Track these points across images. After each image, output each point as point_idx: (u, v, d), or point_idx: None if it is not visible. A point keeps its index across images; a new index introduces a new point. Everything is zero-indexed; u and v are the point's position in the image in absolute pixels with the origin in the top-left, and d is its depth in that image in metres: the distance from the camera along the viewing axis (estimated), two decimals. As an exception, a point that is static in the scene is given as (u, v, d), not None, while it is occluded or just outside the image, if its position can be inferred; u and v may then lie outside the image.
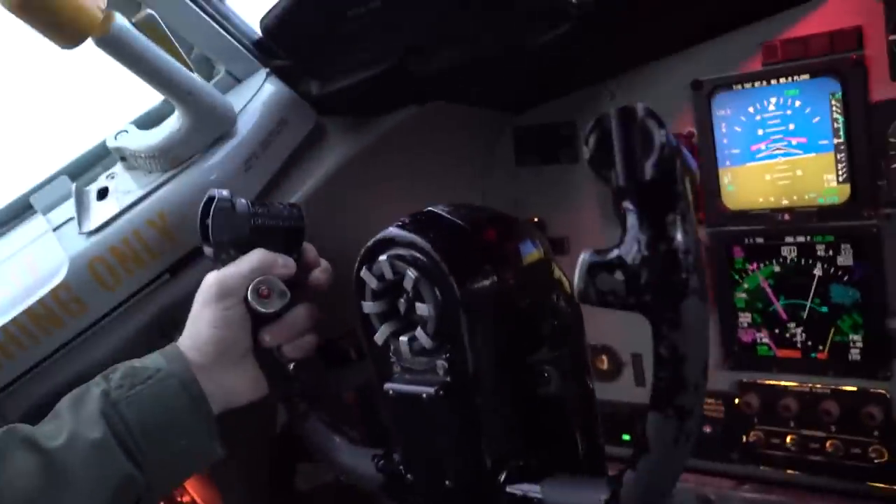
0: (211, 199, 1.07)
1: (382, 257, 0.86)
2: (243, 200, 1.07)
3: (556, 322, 0.90)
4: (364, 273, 0.88)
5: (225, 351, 1.02)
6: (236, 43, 1.28)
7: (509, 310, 0.87)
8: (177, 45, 1.15)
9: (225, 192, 1.06)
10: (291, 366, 1.09)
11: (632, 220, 0.68)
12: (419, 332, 0.84)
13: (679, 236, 0.66)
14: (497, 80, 1.47)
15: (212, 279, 1.04)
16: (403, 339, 0.86)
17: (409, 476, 0.96)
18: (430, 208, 0.92)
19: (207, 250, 1.09)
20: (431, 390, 0.86)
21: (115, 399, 0.94)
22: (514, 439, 0.90)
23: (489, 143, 1.70)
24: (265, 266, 1.04)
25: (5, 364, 1.13)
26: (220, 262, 1.07)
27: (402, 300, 0.88)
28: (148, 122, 1.31)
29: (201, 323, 1.02)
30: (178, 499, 1.47)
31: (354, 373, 1.21)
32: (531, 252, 0.90)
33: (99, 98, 1.57)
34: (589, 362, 0.95)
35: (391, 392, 0.91)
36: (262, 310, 1.03)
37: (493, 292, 0.85)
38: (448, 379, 0.86)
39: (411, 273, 0.83)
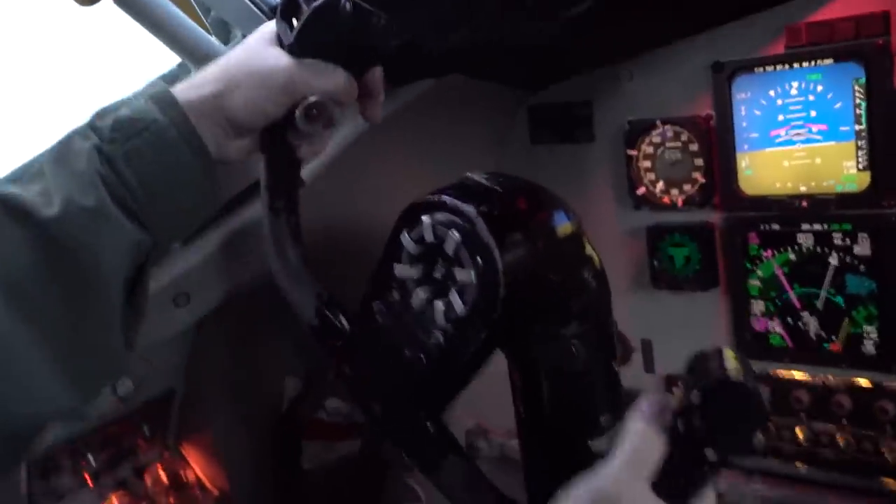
0: None
1: (426, 219, 0.83)
2: (349, 6, 0.90)
3: (587, 297, 0.89)
4: (404, 236, 0.85)
5: (238, 125, 0.91)
6: (255, 7, 1.27)
7: (543, 281, 0.85)
8: (196, 7, 1.14)
9: None
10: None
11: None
12: (454, 296, 0.82)
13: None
14: (515, 56, 1.45)
15: (285, 66, 0.90)
16: (440, 304, 0.84)
17: (345, 327, 0.94)
18: (469, 174, 0.90)
19: (284, 33, 0.92)
20: (420, 356, 0.84)
21: (110, 155, 0.82)
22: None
23: (504, 120, 1.68)
24: (340, 92, 0.93)
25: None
26: (291, 52, 0.91)
27: (437, 267, 0.86)
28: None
29: (237, 91, 0.89)
30: (183, 477, 1.47)
31: None
32: (565, 224, 0.88)
33: (115, 61, 1.56)
34: (615, 341, 0.94)
35: (379, 320, 0.88)
36: (303, 128, 0.91)
37: (530, 262, 0.83)
38: (437, 355, 0.84)
39: (454, 235, 0.81)
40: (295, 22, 0.91)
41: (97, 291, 0.81)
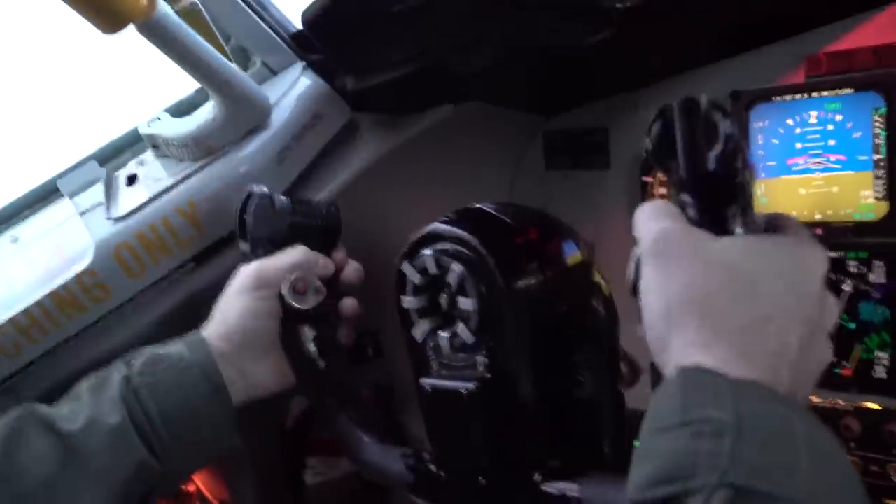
0: (250, 194, 1.07)
1: (427, 251, 0.85)
2: (283, 198, 1.08)
3: (594, 326, 0.89)
4: (406, 267, 0.86)
5: (252, 341, 1.01)
6: (274, 35, 1.28)
7: (551, 310, 0.85)
8: (217, 34, 1.15)
9: (264, 189, 1.07)
10: (322, 361, 1.08)
11: (691, 213, 0.66)
12: (461, 327, 0.83)
13: (739, 230, 0.64)
14: (532, 82, 1.46)
15: (251, 269, 1.03)
16: (444, 334, 0.84)
17: (441, 474, 0.94)
18: (476, 205, 0.91)
19: (243, 246, 1.09)
20: (471, 386, 0.84)
21: (136, 386, 0.93)
22: (548, 440, 0.88)
23: (520, 146, 1.69)
24: (305, 263, 1.04)
25: (25, 346, 1.12)
26: (255, 256, 1.07)
27: (443, 295, 0.86)
28: (181, 110, 1.30)
29: (231, 312, 1.02)
30: (185, 490, 1.46)
31: (371, 371, 1.21)
32: (574, 254, 0.88)
33: (131, 85, 1.57)
34: (620, 368, 0.94)
35: (428, 387, 0.89)
36: (297, 305, 1.03)
37: (537, 291, 0.83)
38: (488, 375, 0.85)
39: (457, 267, 0.81)
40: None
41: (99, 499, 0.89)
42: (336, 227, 1.15)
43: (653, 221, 0.65)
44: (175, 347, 0.98)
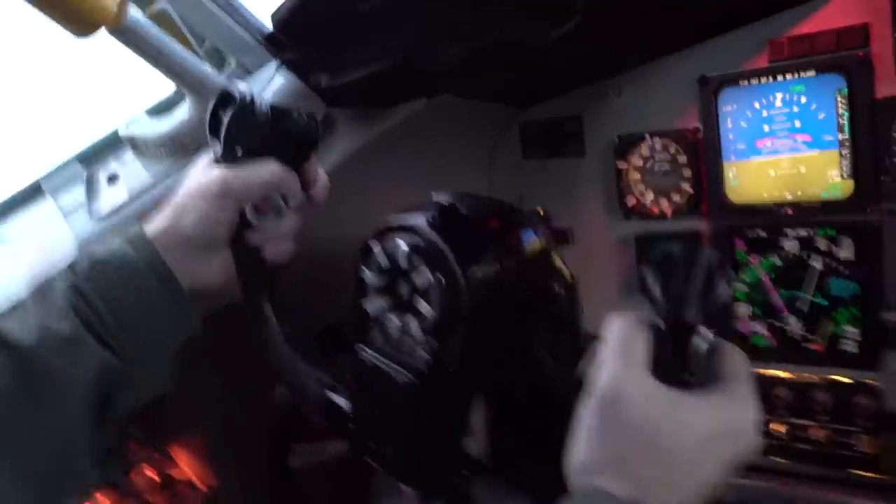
0: (229, 92, 1.00)
1: (403, 246, 0.86)
2: (264, 104, 1.00)
3: (556, 310, 0.91)
4: (377, 248, 0.88)
5: (203, 244, 0.97)
6: (247, 36, 1.29)
7: (510, 296, 0.88)
8: (189, 37, 1.17)
9: (246, 90, 1.00)
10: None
11: (654, 337, 0.71)
12: (413, 323, 0.85)
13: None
14: (504, 75, 1.48)
15: (217, 176, 0.97)
16: (395, 318, 0.86)
17: (350, 426, 0.96)
18: (432, 196, 0.93)
19: (215, 145, 1.02)
20: (409, 377, 0.86)
21: (84, 291, 0.91)
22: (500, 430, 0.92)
23: (496, 136, 1.71)
24: (276, 183, 1.00)
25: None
26: (225, 160, 1.00)
27: (404, 283, 0.88)
28: (159, 110, 1.32)
29: (187, 213, 0.97)
30: (174, 476, 1.49)
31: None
32: (533, 241, 0.91)
33: (112, 89, 1.59)
34: (584, 350, 0.96)
35: (366, 361, 0.90)
36: (256, 224, 1.00)
37: (495, 278, 0.86)
38: (424, 370, 0.86)
39: (426, 273, 0.83)
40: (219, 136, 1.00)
41: (66, 410, 0.87)
42: (313, 140, 1.07)
43: (616, 360, 0.69)
44: (117, 246, 0.95)
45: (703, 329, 0.69)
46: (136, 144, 1.25)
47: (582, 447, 0.69)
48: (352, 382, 0.96)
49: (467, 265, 0.83)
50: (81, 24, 0.99)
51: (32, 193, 1.31)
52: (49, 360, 0.86)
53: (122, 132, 1.26)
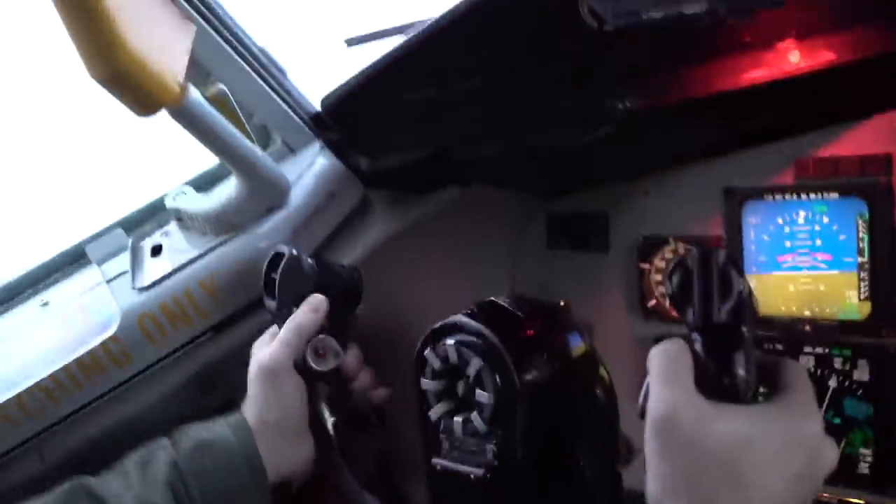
0: (279, 254, 1.13)
1: (450, 341, 0.91)
2: (309, 260, 1.13)
3: (598, 414, 0.96)
4: (428, 353, 0.93)
5: (285, 424, 1.06)
6: (295, 116, 1.35)
7: (558, 400, 0.92)
8: (243, 118, 1.22)
9: (293, 249, 1.12)
10: (331, 418, 1.16)
11: (699, 351, 0.75)
12: (475, 416, 0.89)
13: (741, 373, 0.72)
14: (536, 169, 1.53)
15: (255, 368, 1.08)
16: (458, 419, 0.91)
17: None
18: (492, 299, 0.98)
19: (270, 304, 1.14)
20: (480, 471, 0.91)
21: (183, 471, 0.97)
22: None
23: (522, 225, 1.76)
24: (299, 330, 1.09)
25: (49, 407, 1.17)
26: (279, 317, 1.12)
27: (460, 383, 0.93)
28: (204, 183, 1.37)
29: (260, 402, 1.06)
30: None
31: (375, 439, 1.25)
32: (579, 345, 0.95)
33: (154, 150, 1.64)
34: (621, 453, 1.00)
35: (439, 467, 0.95)
36: (318, 368, 1.09)
37: (547, 383, 0.90)
38: (495, 462, 0.91)
39: (477, 361, 0.88)
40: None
41: None
42: (357, 290, 1.21)
43: (663, 385, 0.72)
44: (220, 429, 1.03)
45: (742, 331, 0.72)
46: (182, 217, 1.30)
47: (651, 477, 0.71)
48: (429, 497, 1.00)
49: (523, 369, 0.88)
50: (146, 103, 1.04)
51: (76, 256, 1.35)
52: None
53: (169, 204, 1.30)
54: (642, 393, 0.76)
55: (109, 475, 0.99)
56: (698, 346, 0.75)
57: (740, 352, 0.72)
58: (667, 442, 0.69)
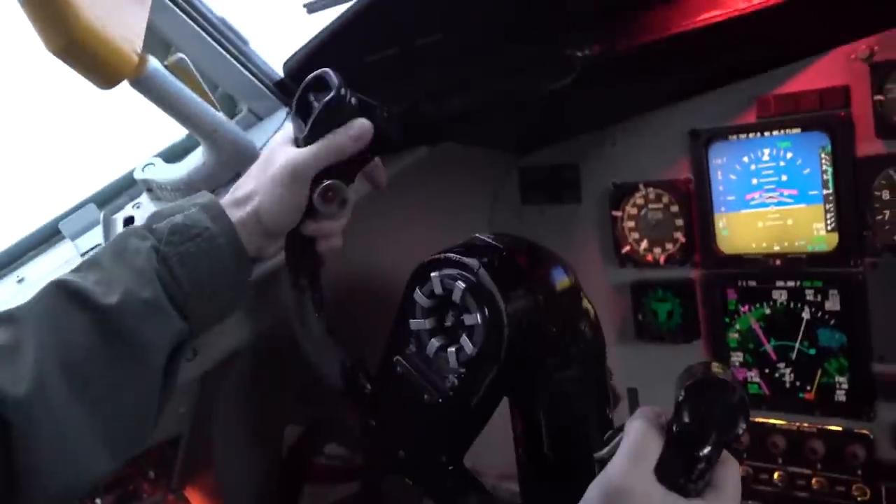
0: (322, 80, 1.03)
1: (434, 274, 0.93)
2: (353, 100, 1.03)
3: (583, 346, 0.98)
4: (416, 293, 0.94)
5: (273, 230, 1.03)
6: (259, 83, 1.35)
7: (542, 329, 0.94)
8: (204, 86, 1.22)
9: (342, 85, 1.02)
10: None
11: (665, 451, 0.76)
12: (464, 339, 0.90)
13: (695, 475, 0.75)
14: (504, 124, 1.54)
15: (295, 157, 1.01)
16: (451, 349, 0.92)
17: (371, 422, 1.04)
18: (476, 235, 1.01)
19: (298, 128, 1.04)
20: (435, 397, 0.94)
21: (166, 256, 0.94)
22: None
23: (495, 182, 1.77)
24: (336, 152, 1.02)
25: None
26: (305, 143, 1.03)
27: (450, 314, 0.94)
28: (173, 154, 1.37)
29: (265, 199, 1.01)
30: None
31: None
32: (563, 279, 0.97)
33: (124, 127, 1.64)
34: (609, 385, 1.02)
35: (400, 368, 0.98)
36: (321, 210, 1.04)
37: (531, 314, 0.92)
38: (451, 394, 0.93)
39: (461, 285, 0.90)
40: (308, 120, 1.03)
41: (143, 373, 0.92)
42: (395, 136, 1.11)
43: (629, 460, 0.75)
44: (195, 216, 0.98)
45: (712, 442, 0.74)
46: (152, 188, 1.31)
47: None
48: (378, 383, 1.03)
49: (507, 296, 0.89)
50: (105, 76, 1.04)
51: (51, 233, 1.35)
52: (131, 324, 0.90)
53: (138, 176, 1.31)
54: (613, 443, 0.79)
55: (83, 271, 0.94)
56: (675, 440, 0.76)
57: (704, 454, 0.75)
58: None
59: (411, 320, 0.96)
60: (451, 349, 0.92)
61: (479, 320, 0.89)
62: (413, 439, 1.00)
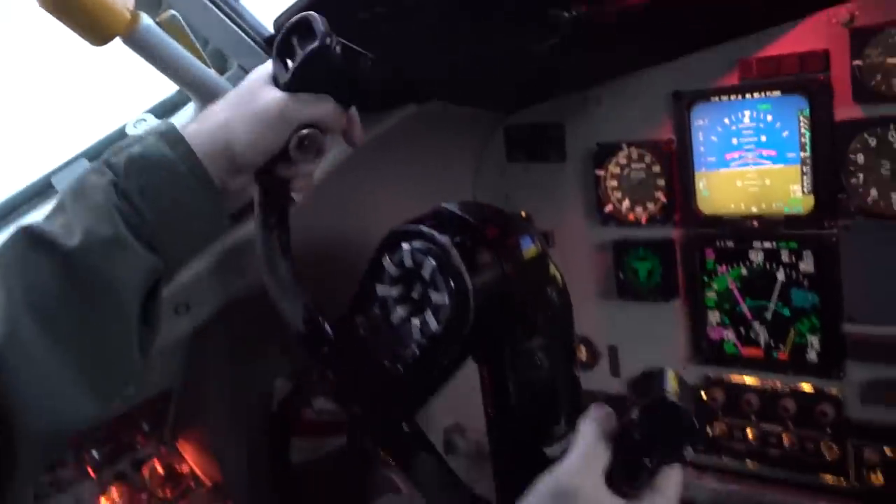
0: (308, 25, 0.99)
1: (405, 246, 0.93)
2: (338, 49, 0.99)
3: (550, 313, 0.99)
4: (385, 259, 0.95)
5: (242, 165, 0.99)
6: (250, 40, 1.36)
7: (509, 299, 0.95)
8: (196, 42, 1.24)
9: (328, 34, 0.97)
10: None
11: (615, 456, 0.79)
12: (429, 315, 0.92)
13: (638, 483, 0.79)
14: (491, 83, 1.56)
15: (279, 100, 0.98)
16: (416, 321, 0.93)
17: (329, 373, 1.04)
18: (443, 205, 1.00)
19: (279, 71, 1.01)
20: (399, 368, 0.95)
21: (125, 190, 0.91)
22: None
23: (481, 141, 1.80)
24: (330, 121, 1.01)
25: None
26: (286, 88, 1.00)
27: (417, 286, 0.94)
28: (164, 110, 1.39)
29: (238, 132, 0.97)
30: (179, 470, 1.56)
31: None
32: (530, 247, 0.99)
33: (116, 82, 1.65)
34: (576, 351, 1.05)
35: (362, 330, 0.99)
36: (295, 158, 1.00)
37: (498, 283, 0.93)
38: (410, 362, 0.94)
39: (430, 262, 0.91)
40: (290, 62, 1.00)
41: (116, 312, 0.89)
42: (370, 86, 1.10)
43: (580, 461, 0.79)
44: (152, 143, 0.94)
45: (658, 458, 0.78)
46: (143, 143, 1.32)
47: None
48: (338, 338, 1.02)
49: (474, 271, 0.91)
50: (98, 33, 1.06)
51: (44, 188, 1.37)
52: (96, 263, 0.87)
53: (130, 131, 1.32)
54: (563, 441, 0.84)
55: (49, 215, 0.91)
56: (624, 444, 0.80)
57: (650, 466, 0.78)
58: None
59: (378, 285, 0.96)
60: (416, 321, 0.93)
61: (447, 301, 0.90)
62: (369, 398, 1.01)
